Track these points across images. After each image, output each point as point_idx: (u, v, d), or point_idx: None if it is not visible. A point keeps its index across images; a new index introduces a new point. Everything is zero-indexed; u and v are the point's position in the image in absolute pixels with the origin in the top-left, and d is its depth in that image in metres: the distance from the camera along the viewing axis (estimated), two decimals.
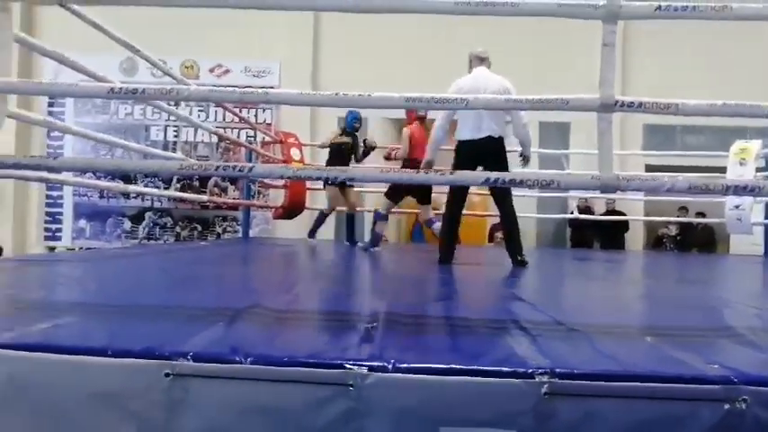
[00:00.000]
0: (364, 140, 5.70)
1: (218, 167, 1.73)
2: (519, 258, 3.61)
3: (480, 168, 3.51)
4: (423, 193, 4.89)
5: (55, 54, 2.61)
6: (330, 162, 5.40)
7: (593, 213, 7.92)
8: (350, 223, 5.72)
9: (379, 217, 4.95)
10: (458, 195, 3.73)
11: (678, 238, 8.32)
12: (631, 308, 2.32)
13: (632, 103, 1.76)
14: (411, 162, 4.57)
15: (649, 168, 7.90)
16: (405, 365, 1.14)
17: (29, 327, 1.33)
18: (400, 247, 7.06)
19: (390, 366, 1.13)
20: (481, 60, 3.70)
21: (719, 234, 8.04)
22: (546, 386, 1.10)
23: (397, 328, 1.52)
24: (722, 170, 5.29)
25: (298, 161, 6.10)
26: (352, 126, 5.60)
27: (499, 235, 7.81)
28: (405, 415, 1.11)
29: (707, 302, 2.39)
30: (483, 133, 3.54)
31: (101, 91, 1.69)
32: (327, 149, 5.64)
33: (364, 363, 1.14)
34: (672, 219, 7.76)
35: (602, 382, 1.11)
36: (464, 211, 4.01)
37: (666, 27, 7.30)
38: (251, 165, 1.73)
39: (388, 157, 5.22)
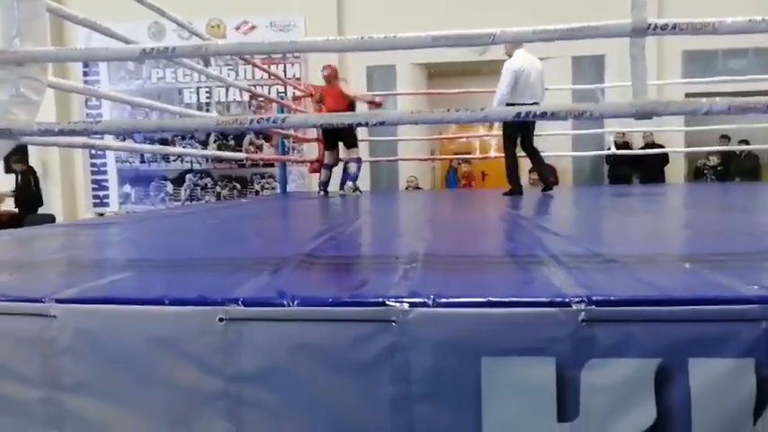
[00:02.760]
0: None
1: (252, 121, 1.77)
2: (550, 181, 5.07)
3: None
4: (349, 139, 5.73)
5: (87, 21, 2.66)
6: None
7: (631, 148, 7.74)
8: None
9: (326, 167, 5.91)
10: (511, 138, 4.89)
11: (719, 168, 8.07)
12: (671, 237, 2.31)
13: (666, 25, 1.69)
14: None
15: (689, 97, 7.62)
16: (445, 300, 1.18)
17: (90, 283, 1.42)
18: (435, 193, 7.08)
19: (431, 301, 1.18)
20: (519, 44, 4.70)
21: (765, 161, 7.77)
22: (583, 313, 1.13)
23: (437, 266, 1.56)
24: None
25: None
26: None
27: (533, 176, 7.79)
28: (447, 347, 1.16)
29: (749, 229, 2.35)
30: (532, 99, 4.62)
31: (134, 53, 1.72)
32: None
33: (406, 299, 1.19)
34: (713, 148, 7.50)
35: (639, 307, 1.13)
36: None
37: None
38: (284, 116, 1.76)
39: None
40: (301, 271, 1.54)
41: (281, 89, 8.81)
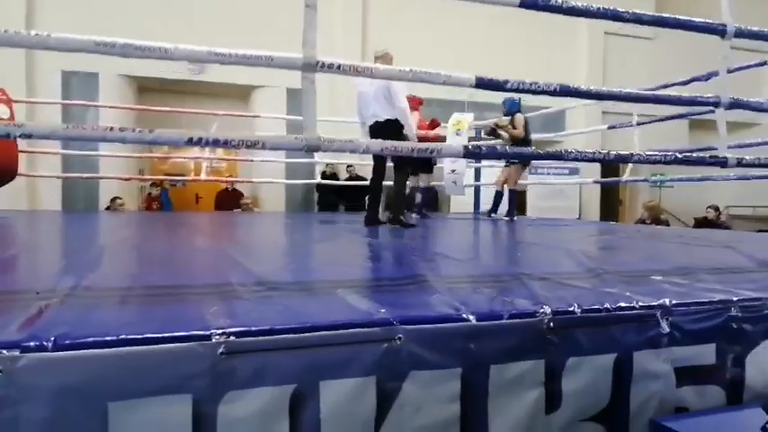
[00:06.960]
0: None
1: None
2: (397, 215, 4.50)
3: None
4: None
5: None
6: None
7: (338, 179, 8.33)
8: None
9: None
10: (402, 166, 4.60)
11: None
12: (339, 264, 2.44)
13: (332, 64, 1.84)
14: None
15: None
16: (67, 342, 1.05)
17: None
18: (139, 214, 6.57)
19: (50, 344, 1.03)
20: (376, 59, 4.44)
21: (443, 195, 9.12)
22: (223, 346, 1.12)
23: (83, 301, 1.40)
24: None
25: (7, 120, 5.22)
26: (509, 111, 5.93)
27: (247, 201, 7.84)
28: (67, 395, 1.03)
29: (408, 257, 2.67)
30: (373, 119, 4.32)
31: None
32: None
33: (19, 343, 1.02)
34: None
35: (276, 336, 1.16)
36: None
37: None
38: None
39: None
40: None
41: None
